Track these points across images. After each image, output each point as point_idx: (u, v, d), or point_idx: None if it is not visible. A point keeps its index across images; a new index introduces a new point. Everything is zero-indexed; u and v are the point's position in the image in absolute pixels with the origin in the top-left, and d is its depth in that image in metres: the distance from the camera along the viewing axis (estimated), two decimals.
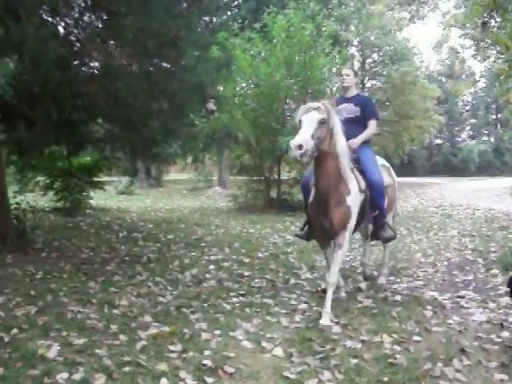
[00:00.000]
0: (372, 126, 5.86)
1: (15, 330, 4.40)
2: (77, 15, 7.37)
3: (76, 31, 7.41)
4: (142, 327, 4.54)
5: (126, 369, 3.70)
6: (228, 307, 5.22)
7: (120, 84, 6.77)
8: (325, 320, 4.70)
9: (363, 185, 5.32)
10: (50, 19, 7.25)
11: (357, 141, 5.60)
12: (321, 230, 5.20)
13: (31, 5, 5.64)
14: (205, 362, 3.82)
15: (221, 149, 15.20)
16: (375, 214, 5.57)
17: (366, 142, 5.77)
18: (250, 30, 15.71)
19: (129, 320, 4.77)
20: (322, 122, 4.64)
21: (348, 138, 5.21)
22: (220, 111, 11.24)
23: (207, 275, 6.62)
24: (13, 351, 3.99)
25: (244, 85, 15.32)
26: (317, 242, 5.72)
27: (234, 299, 5.53)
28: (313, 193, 5.18)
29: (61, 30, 7.46)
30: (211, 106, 8.96)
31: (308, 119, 4.64)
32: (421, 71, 35.78)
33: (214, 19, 11.14)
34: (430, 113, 32.18)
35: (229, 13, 25.69)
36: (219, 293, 5.76)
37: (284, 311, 5.12)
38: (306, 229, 5.73)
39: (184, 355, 3.98)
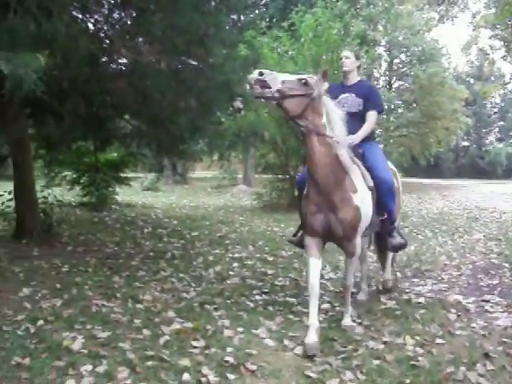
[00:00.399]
0: (371, 118, 5.08)
1: (41, 322, 4.48)
2: (106, 12, 7.46)
3: (105, 28, 7.49)
4: (165, 322, 4.58)
5: (149, 363, 3.74)
6: (251, 305, 5.23)
7: (148, 81, 6.83)
8: (346, 320, 4.68)
9: (371, 182, 4.71)
10: (79, 16, 7.33)
11: (355, 137, 4.82)
12: (320, 229, 4.44)
13: (62, 1, 5.71)
14: (227, 358, 3.84)
15: (247, 147, 15.17)
16: (383, 218, 4.96)
17: (370, 137, 5.15)
18: (277, 28, 15.72)
19: (152, 315, 4.81)
20: (303, 82, 4.09)
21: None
22: (247, 109, 11.25)
23: (231, 272, 6.65)
24: (38, 342, 4.07)
25: None
26: (307, 247, 4.59)
27: (257, 297, 5.55)
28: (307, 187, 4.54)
29: (90, 26, 7.56)
30: (238, 104, 8.96)
31: (289, 75, 4.23)
32: (449, 72, 35.51)
33: (242, 17, 11.17)
34: (458, 114, 31.83)
35: (256, 11, 25.69)
36: (242, 290, 5.79)
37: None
38: (300, 234, 5.09)
39: (206, 351, 4.00)
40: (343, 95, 5.11)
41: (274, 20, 22.72)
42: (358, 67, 5.29)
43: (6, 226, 8.91)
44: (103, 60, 7.54)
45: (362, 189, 4.53)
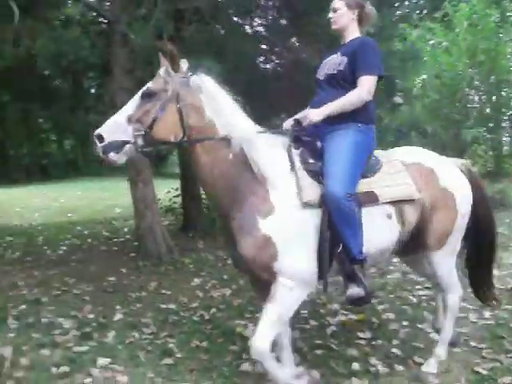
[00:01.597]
0: (362, 85, 3.25)
1: (213, 310, 4.88)
2: (264, 15, 7.74)
3: (263, 30, 7.78)
4: (330, 314, 4.74)
5: (318, 352, 3.91)
6: (414, 300, 5.22)
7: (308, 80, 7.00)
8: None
9: (312, 195, 3.00)
10: (239, 20, 7.67)
11: (317, 113, 3.16)
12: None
13: (226, 8, 6.04)
14: (393, 350, 3.91)
15: (409, 142, 15.05)
16: (339, 252, 3.10)
17: (347, 121, 3.23)
18: (429, 20, 15.32)
19: (318, 307, 4.99)
20: (149, 95, 2.93)
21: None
22: (408, 104, 11.11)
23: (391, 267, 6.62)
24: (213, 328, 4.43)
25: (425, 76, 14.95)
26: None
27: (420, 292, 5.50)
28: None
29: (248, 29, 7.89)
30: (398, 99, 8.90)
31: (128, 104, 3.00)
32: None
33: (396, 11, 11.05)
34: None
35: (406, 2, 25.10)
36: (404, 285, 5.78)
37: (472, 307, 4.95)
38: None
39: (373, 342, 4.10)
40: (328, 59, 3.49)
41: (425, 12, 22.14)
42: (360, 20, 3.51)
43: (173, 221, 9.51)
44: (261, 60, 7.85)
45: (289, 208, 2.97)
